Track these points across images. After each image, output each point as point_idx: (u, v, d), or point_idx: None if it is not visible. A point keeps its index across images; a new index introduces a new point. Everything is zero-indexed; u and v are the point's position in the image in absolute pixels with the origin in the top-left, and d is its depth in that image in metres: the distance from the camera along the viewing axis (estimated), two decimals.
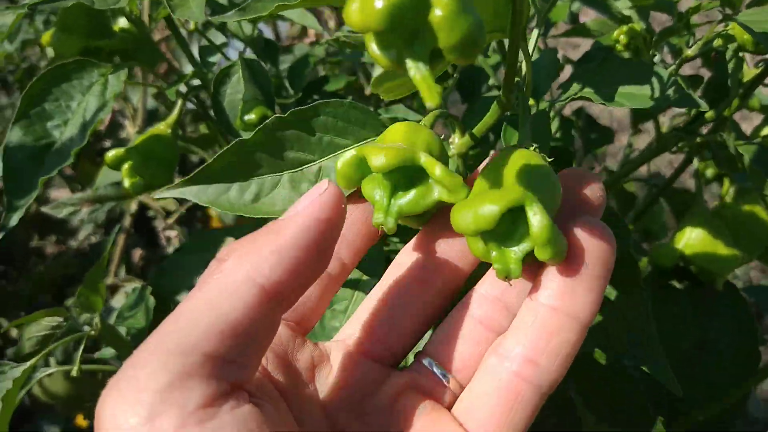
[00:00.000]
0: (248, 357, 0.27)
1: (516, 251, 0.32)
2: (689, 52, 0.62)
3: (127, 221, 1.07)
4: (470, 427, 0.31)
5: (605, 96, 0.48)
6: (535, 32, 0.53)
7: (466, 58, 0.27)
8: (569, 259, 0.31)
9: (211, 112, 0.68)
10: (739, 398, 0.63)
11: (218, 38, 0.70)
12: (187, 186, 0.39)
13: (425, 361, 0.34)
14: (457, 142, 0.47)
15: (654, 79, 0.49)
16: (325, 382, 0.33)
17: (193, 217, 1.15)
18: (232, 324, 0.26)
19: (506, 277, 0.31)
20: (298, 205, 0.30)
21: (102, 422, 0.25)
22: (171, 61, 0.96)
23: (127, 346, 0.62)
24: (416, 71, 0.27)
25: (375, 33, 0.26)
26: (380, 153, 0.34)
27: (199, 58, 0.67)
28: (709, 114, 0.69)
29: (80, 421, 1.23)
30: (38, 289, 1.29)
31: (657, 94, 0.47)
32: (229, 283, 0.27)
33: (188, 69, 0.76)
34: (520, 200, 0.31)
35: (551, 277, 0.31)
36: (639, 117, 0.85)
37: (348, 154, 0.37)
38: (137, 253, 1.34)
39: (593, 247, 0.31)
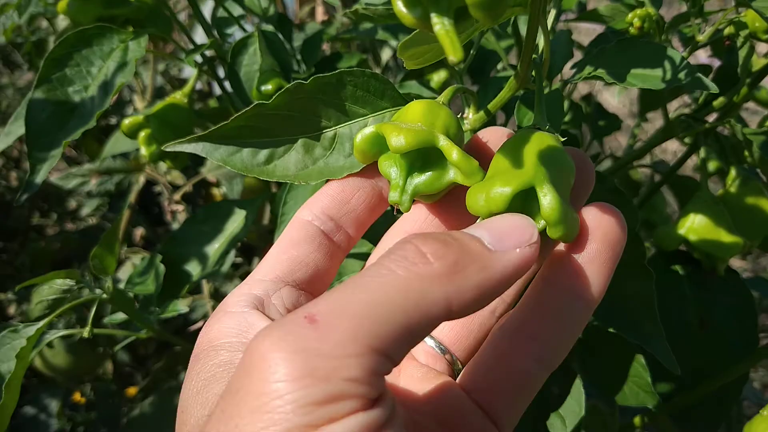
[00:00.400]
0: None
1: None
2: (701, 38, 0.63)
3: (132, 196, 1.07)
4: (476, 397, 0.32)
5: (617, 76, 0.49)
6: (553, 11, 0.54)
7: (491, 15, 0.28)
8: (579, 241, 0.32)
9: (226, 84, 0.69)
10: (736, 377, 0.64)
11: (238, 10, 0.70)
12: (200, 142, 0.39)
13: (426, 340, 0.35)
14: (472, 117, 0.48)
15: (666, 62, 0.50)
16: None
17: (197, 194, 1.15)
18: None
19: None
20: (505, 242, 0.29)
21: (263, 369, 0.23)
22: (178, 36, 0.96)
23: (135, 311, 0.62)
24: (441, 26, 0.28)
25: None
26: (400, 134, 0.35)
27: (215, 30, 0.68)
28: (718, 102, 0.70)
29: (78, 397, 1.24)
30: (38, 265, 1.30)
31: (669, 76, 0.48)
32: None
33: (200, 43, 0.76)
34: (531, 181, 0.32)
35: (560, 258, 0.32)
36: (648, 105, 0.85)
37: (367, 131, 0.37)
38: (138, 233, 1.34)
39: (604, 229, 0.32)
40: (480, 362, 0.33)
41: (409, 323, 0.24)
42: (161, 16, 0.71)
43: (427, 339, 0.36)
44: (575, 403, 0.48)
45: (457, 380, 0.34)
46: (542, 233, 0.32)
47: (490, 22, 0.29)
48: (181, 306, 0.59)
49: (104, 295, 0.58)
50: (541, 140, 0.37)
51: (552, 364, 0.32)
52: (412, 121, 0.38)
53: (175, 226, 1.11)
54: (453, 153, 0.35)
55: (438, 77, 1.00)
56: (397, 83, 0.99)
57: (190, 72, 1.43)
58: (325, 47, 1.16)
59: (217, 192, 1.23)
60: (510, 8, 0.42)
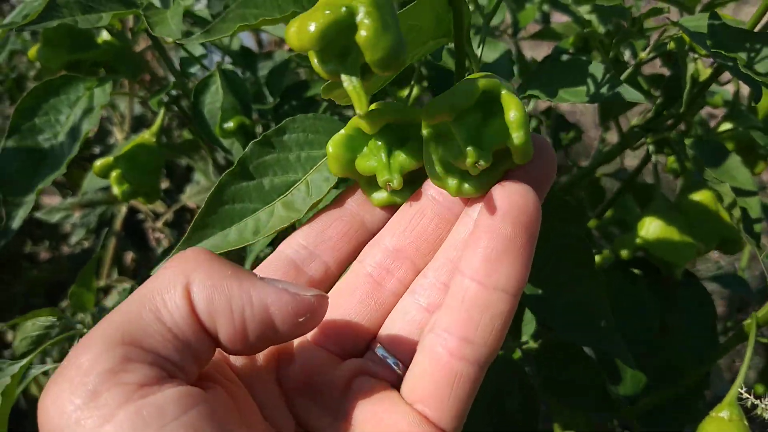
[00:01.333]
0: (185, 359, 0.29)
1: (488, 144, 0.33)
2: (643, 54, 0.66)
3: (117, 224, 1.10)
4: (417, 406, 0.32)
5: (550, 93, 0.52)
6: (477, 37, 0.56)
7: (390, 70, 0.30)
8: (491, 231, 0.31)
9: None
10: (698, 379, 0.66)
11: (199, 49, 0.73)
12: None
13: (378, 350, 0.36)
14: None
15: (590, 78, 0.53)
16: (286, 370, 0.35)
17: (182, 219, 1.18)
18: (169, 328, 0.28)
19: (477, 162, 0.32)
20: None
21: (45, 411, 0.26)
22: (156, 70, 0.99)
23: None
24: (348, 83, 0.31)
25: (314, 51, 0.30)
26: (371, 107, 0.36)
27: (180, 68, 0.71)
28: (682, 109, 0.73)
29: None
30: (31, 293, 1.32)
31: (592, 90, 0.51)
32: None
33: (172, 78, 0.79)
34: (496, 86, 0.33)
35: (476, 252, 0.32)
36: (605, 115, 0.88)
37: (337, 136, 0.38)
38: (129, 256, 1.37)
39: (516, 215, 0.31)
40: (413, 367, 0.34)
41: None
42: (130, 57, 0.74)
43: (378, 350, 0.36)
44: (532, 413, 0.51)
45: (401, 389, 0.34)
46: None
47: (392, 74, 0.32)
48: None
49: (84, 330, 0.60)
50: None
51: (483, 360, 0.32)
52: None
53: (160, 251, 1.13)
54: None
55: (404, 95, 1.03)
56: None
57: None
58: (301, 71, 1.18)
59: None
60: (434, 39, 0.45)
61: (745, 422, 0.59)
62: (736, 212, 0.61)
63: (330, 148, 0.38)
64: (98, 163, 0.65)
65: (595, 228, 0.89)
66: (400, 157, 0.38)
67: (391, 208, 0.39)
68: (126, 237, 1.21)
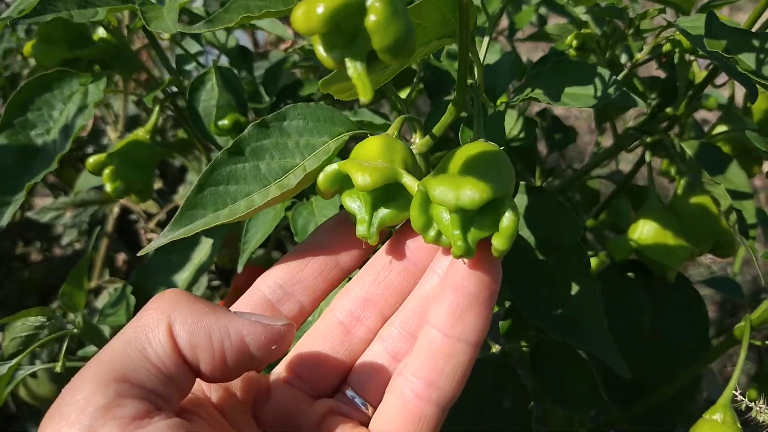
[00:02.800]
0: (170, 392, 0.31)
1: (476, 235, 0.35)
2: (639, 55, 0.66)
3: (109, 225, 1.09)
4: None
5: (552, 96, 0.52)
6: (486, 37, 0.56)
7: (398, 58, 0.30)
8: (457, 289, 0.35)
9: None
10: (690, 381, 0.66)
11: (195, 47, 0.73)
12: (178, 228, 0.38)
13: (348, 392, 0.39)
14: (418, 142, 0.50)
15: (597, 80, 0.53)
16: (262, 408, 0.38)
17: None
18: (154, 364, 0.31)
19: (462, 256, 0.34)
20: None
21: None
22: (151, 69, 0.99)
23: (106, 342, 0.64)
24: (353, 69, 0.30)
25: (320, 35, 0.30)
26: (365, 173, 0.37)
27: (176, 66, 0.70)
28: (664, 113, 0.73)
29: None
30: (23, 294, 1.31)
31: (599, 94, 0.51)
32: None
33: (168, 76, 0.79)
34: (500, 195, 0.35)
35: (442, 306, 0.35)
36: (601, 117, 0.88)
37: (329, 169, 0.39)
38: (120, 258, 1.36)
39: (478, 276, 0.35)
40: (382, 407, 0.37)
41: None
42: (126, 55, 0.73)
43: (349, 392, 0.39)
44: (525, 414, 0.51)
45: (370, 427, 0.37)
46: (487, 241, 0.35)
47: (398, 64, 0.32)
48: None
49: (75, 330, 0.60)
50: (481, 147, 0.39)
51: (445, 403, 0.35)
52: (371, 157, 0.40)
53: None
54: (416, 188, 0.37)
55: (403, 95, 1.03)
56: (356, 109, 1.02)
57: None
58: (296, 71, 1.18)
59: None
60: (438, 40, 0.45)
61: (738, 425, 0.59)
62: (732, 216, 0.61)
63: (320, 178, 0.39)
64: (91, 159, 0.64)
65: (589, 230, 0.89)
66: (384, 213, 0.39)
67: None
68: (118, 238, 1.20)
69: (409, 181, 0.38)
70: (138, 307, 0.67)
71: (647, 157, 0.72)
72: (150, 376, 0.30)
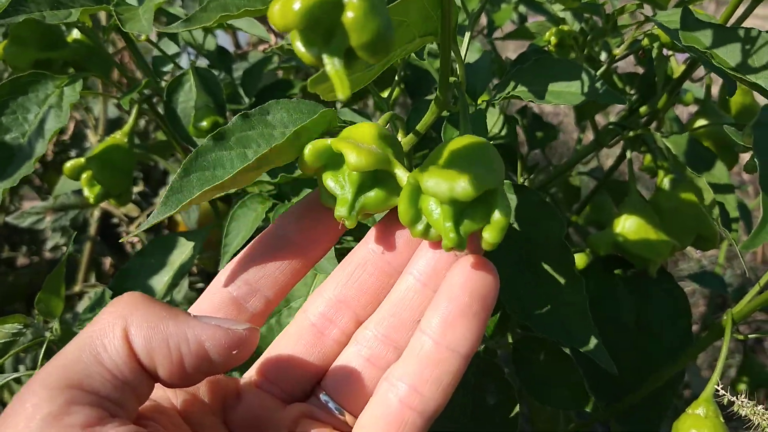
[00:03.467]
0: (126, 398, 0.31)
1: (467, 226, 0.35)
2: (617, 51, 0.66)
3: (92, 229, 1.08)
4: None
5: (537, 94, 0.52)
6: (467, 35, 0.56)
7: (376, 56, 0.30)
8: (451, 297, 0.34)
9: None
10: (674, 376, 0.66)
11: (173, 48, 0.72)
12: (166, 210, 0.37)
13: (322, 396, 0.38)
14: (402, 140, 0.50)
15: (582, 78, 0.53)
16: (232, 413, 0.37)
17: (159, 222, 1.16)
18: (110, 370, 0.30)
19: (454, 248, 0.34)
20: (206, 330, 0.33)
21: None
22: (127, 71, 0.98)
23: None
24: (330, 66, 0.30)
25: (297, 31, 0.29)
26: (360, 154, 0.36)
27: (153, 68, 0.70)
28: (643, 109, 0.73)
29: None
30: (8, 299, 1.30)
31: (585, 91, 0.51)
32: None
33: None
34: (493, 186, 0.35)
35: (435, 313, 0.35)
36: (581, 115, 0.89)
37: (318, 143, 0.38)
38: (107, 261, 1.35)
39: (474, 284, 0.34)
40: (366, 412, 0.36)
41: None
42: (101, 56, 0.72)
43: (323, 396, 0.38)
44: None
45: None
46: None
47: (376, 61, 0.32)
48: None
49: (51, 337, 0.59)
50: (481, 144, 0.39)
51: (429, 413, 0.34)
52: (365, 141, 0.39)
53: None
54: (405, 179, 0.37)
55: (385, 95, 1.03)
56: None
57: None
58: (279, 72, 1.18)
59: (180, 219, 1.24)
60: (420, 37, 0.44)
61: (721, 419, 0.60)
62: (715, 209, 0.62)
63: (306, 151, 0.38)
64: (69, 164, 0.63)
65: (571, 226, 0.89)
66: (368, 199, 0.38)
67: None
68: (103, 242, 1.19)
69: (400, 173, 0.38)
70: None
71: (627, 153, 0.72)
72: (105, 382, 0.30)
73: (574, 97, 0.51)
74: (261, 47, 1.12)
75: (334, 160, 0.39)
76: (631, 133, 0.68)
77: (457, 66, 0.51)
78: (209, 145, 0.38)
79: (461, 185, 0.34)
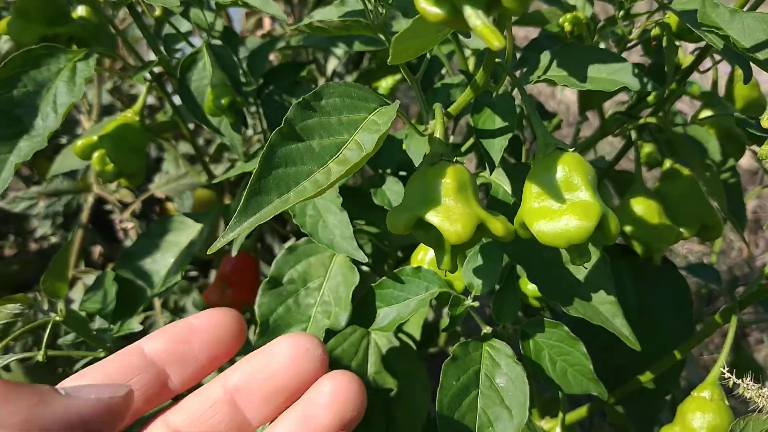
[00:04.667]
0: None
1: None
2: (632, 36, 0.67)
3: (84, 216, 1.06)
4: None
5: (579, 78, 0.52)
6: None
7: (523, 5, 0.30)
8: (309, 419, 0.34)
9: (175, 98, 0.70)
10: (675, 362, 0.67)
11: (186, 25, 0.71)
12: (246, 217, 0.37)
13: None
14: (438, 128, 0.50)
15: (617, 66, 0.54)
16: None
17: (150, 210, 1.15)
18: None
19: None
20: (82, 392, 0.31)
21: None
22: (124, 53, 0.96)
23: (89, 332, 0.62)
24: (477, 18, 0.30)
25: None
26: (453, 224, 0.40)
27: (162, 47, 0.69)
28: (651, 98, 0.74)
29: None
30: None
31: (621, 79, 0.52)
32: None
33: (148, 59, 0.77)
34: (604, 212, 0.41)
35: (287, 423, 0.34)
36: (585, 104, 0.89)
37: (410, 216, 0.42)
38: (97, 250, 1.33)
39: (340, 404, 0.34)
40: None
41: None
42: (106, 34, 0.71)
43: None
44: (521, 394, 0.51)
45: None
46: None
47: (520, 11, 0.32)
48: (135, 325, 0.60)
49: (57, 318, 0.58)
50: (579, 163, 0.44)
51: None
52: (447, 195, 0.42)
53: (128, 243, 1.10)
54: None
55: (386, 83, 1.03)
56: None
57: (141, 88, 1.42)
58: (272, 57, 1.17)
59: (171, 206, 1.23)
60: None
61: (726, 402, 0.61)
62: (723, 201, 0.63)
63: (401, 222, 0.43)
64: (79, 142, 0.62)
65: None
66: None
67: None
68: (94, 230, 1.17)
69: (496, 226, 0.42)
70: (120, 294, 0.65)
71: (634, 140, 0.73)
72: None
73: (612, 83, 0.52)
74: (259, 32, 1.11)
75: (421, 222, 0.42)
76: (641, 120, 0.69)
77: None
78: (277, 140, 0.39)
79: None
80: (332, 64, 1.13)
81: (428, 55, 0.58)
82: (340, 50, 1.18)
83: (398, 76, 1.07)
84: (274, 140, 0.38)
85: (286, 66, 0.78)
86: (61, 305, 0.62)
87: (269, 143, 0.38)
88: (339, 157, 0.40)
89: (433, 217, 0.41)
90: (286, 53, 0.94)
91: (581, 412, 0.74)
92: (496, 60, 0.51)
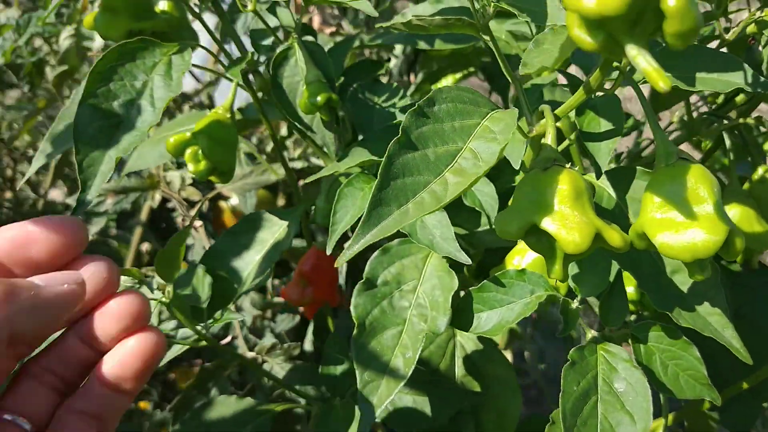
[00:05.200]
0: None
1: None
2: (727, 37, 0.65)
3: (143, 214, 1.06)
4: None
5: (686, 81, 0.51)
6: None
7: (686, 42, 0.31)
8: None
9: (260, 95, 0.69)
10: None
11: (273, 20, 0.70)
12: (369, 229, 0.37)
13: (7, 416, 0.37)
14: (549, 132, 0.48)
15: (733, 67, 0.52)
16: None
17: (209, 209, 1.15)
18: None
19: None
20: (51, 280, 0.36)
21: None
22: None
23: (189, 317, 0.61)
24: (642, 59, 0.30)
25: (583, 17, 0.29)
26: (570, 232, 0.40)
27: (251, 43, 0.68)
28: (740, 98, 0.72)
29: None
30: None
31: (740, 80, 0.50)
32: None
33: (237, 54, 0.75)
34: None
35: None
36: (660, 105, 0.87)
37: (523, 222, 0.41)
38: (144, 247, 1.32)
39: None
40: None
41: None
42: (187, 29, 0.71)
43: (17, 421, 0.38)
44: (642, 399, 0.49)
45: None
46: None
47: (684, 46, 0.32)
48: (236, 314, 0.60)
49: (164, 299, 0.57)
50: (706, 176, 0.43)
51: None
52: (562, 202, 0.41)
53: (194, 242, 1.10)
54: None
55: (446, 81, 1.03)
56: (411, 90, 1.00)
57: (189, 85, 1.43)
58: None
59: (225, 206, 1.22)
60: None
61: None
62: None
63: (514, 228, 0.42)
64: (172, 139, 0.61)
65: None
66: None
67: None
68: (150, 228, 1.17)
69: (616, 239, 0.41)
70: (213, 287, 0.64)
71: (727, 141, 0.71)
72: None
73: (725, 84, 0.50)
74: (327, 30, 1.10)
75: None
76: (741, 120, 0.67)
77: None
78: (395, 150, 0.38)
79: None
80: (391, 63, 1.12)
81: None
82: (398, 50, 1.17)
83: (458, 75, 1.07)
84: (392, 150, 0.38)
85: (364, 64, 0.77)
86: (170, 287, 0.61)
87: (387, 153, 0.38)
88: (454, 166, 0.39)
89: (549, 224, 0.40)
90: (354, 52, 0.93)
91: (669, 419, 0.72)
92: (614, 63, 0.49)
